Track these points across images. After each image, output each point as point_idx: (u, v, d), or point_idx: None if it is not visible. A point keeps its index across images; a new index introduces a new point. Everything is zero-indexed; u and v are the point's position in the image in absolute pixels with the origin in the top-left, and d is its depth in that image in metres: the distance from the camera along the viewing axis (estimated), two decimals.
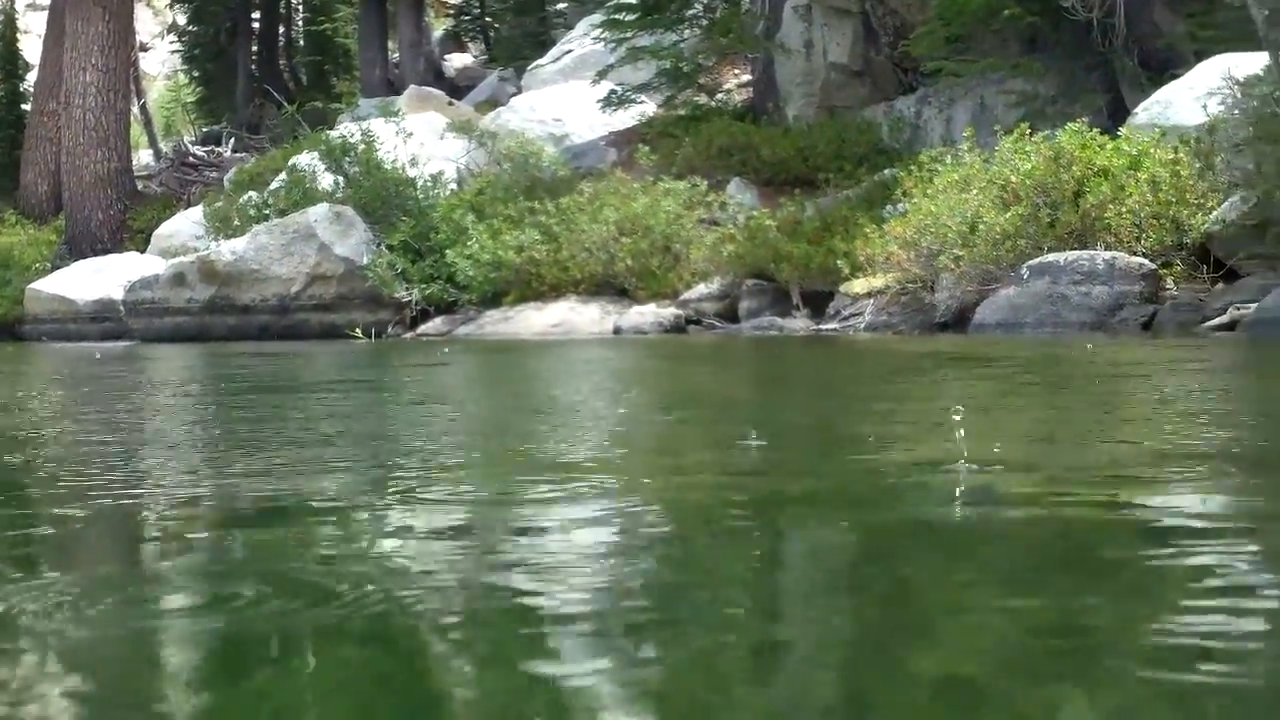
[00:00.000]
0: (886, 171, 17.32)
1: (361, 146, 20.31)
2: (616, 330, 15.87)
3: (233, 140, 32.99)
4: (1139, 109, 14.67)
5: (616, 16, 22.55)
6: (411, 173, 19.95)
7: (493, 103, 28.19)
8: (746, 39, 21.57)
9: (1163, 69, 15.82)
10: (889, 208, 15.51)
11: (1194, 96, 12.98)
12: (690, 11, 22.51)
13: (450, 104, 27.35)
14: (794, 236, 15.82)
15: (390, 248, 18.95)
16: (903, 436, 4.26)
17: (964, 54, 17.96)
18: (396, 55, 35.60)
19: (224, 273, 19.20)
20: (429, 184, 19.95)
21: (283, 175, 21.91)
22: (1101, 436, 4.12)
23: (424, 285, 18.58)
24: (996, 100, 18.03)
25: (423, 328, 18.28)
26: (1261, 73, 11.55)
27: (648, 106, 22.73)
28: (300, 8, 40.96)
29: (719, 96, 22.69)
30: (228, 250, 19.56)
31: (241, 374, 9.89)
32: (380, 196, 19.71)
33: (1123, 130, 13.78)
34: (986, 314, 12.35)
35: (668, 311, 16.00)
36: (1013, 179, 13.19)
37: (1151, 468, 3.36)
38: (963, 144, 14.79)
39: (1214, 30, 15.19)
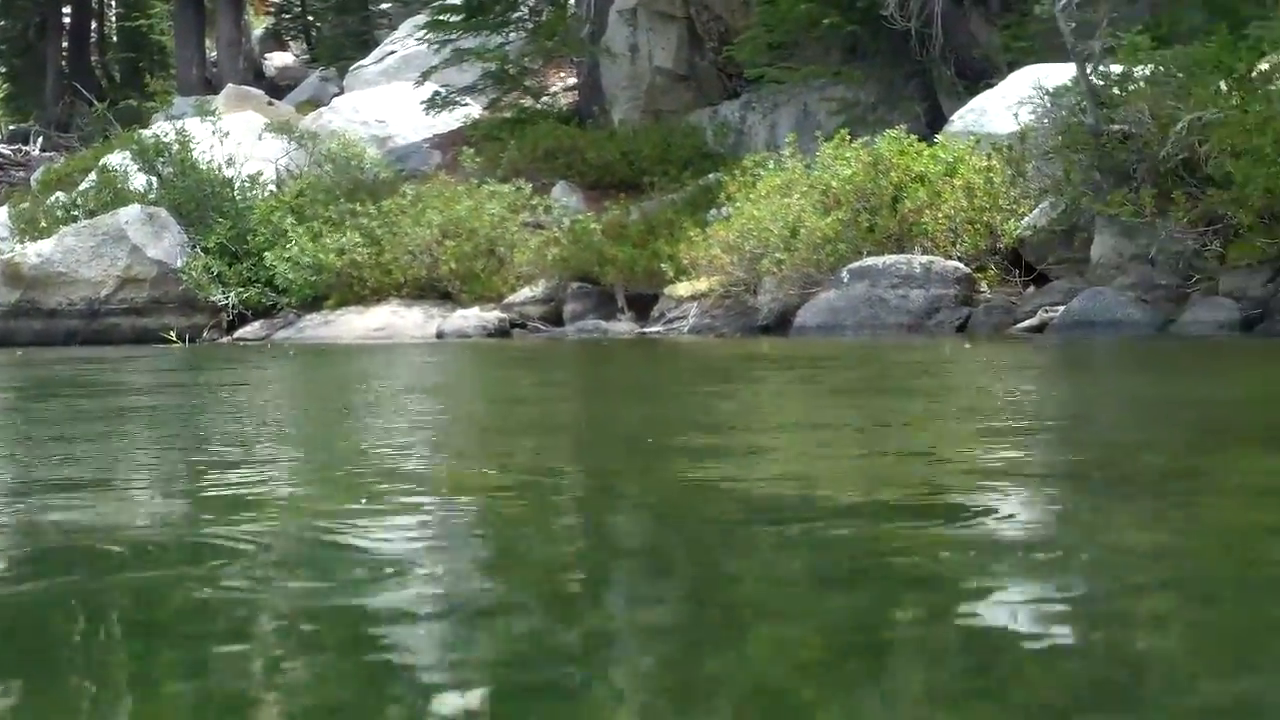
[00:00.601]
0: (711, 176, 17.39)
1: (176, 146, 19.68)
2: (440, 334, 15.64)
3: (41, 139, 31.77)
4: (955, 117, 14.99)
5: (440, 18, 22.27)
6: (229, 173, 19.41)
7: (314, 103, 27.63)
8: (571, 42, 21.50)
9: (978, 78, 16.18)
10: (713, 211, 15.58)
11: (1006, 105, 13.29)
12: (515, 14, 22.35)
13: (270, 104, 26.71)
14: (619, 240, 15.78)
15: (206, 250, 18.38)
16: (713, 442, 4.20)
17: (787, 61, 18.14)
18: (215, 53, 34.69)
19: (29, 276, 18.42)
20: (247, 185, 19.43)
21: (93, 175, 21.12)
22: (905, 442, 4.11)
23: (241, 289, 18.06)
24: (819, 107, 18.25)
25: (240, 332, 17.78)
26: (1070, 83, 11.85)
27: (472, 109, 22.49)
28: (114, 3, 39.66)
29: (544, 99, 22.57)
30: (33, 253, 18.76)
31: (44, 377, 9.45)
32: (195, 198, 19.10)
33: (939, 137, 14.05)
34: (807, 317, 12.46)
35: (492, 315, 15.82)
36: (833, 184, 13.34)
37: (948, 475, 3.35)
38: (785, 149, 14.93)
39: (1026, 42, 15.58)
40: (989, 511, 2.65)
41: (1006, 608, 1.90)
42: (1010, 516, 2.62)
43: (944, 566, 2.16)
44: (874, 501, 2.84)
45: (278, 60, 36.26)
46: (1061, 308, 10.87)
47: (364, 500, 2.95)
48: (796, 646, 1.73)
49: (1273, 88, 10.35)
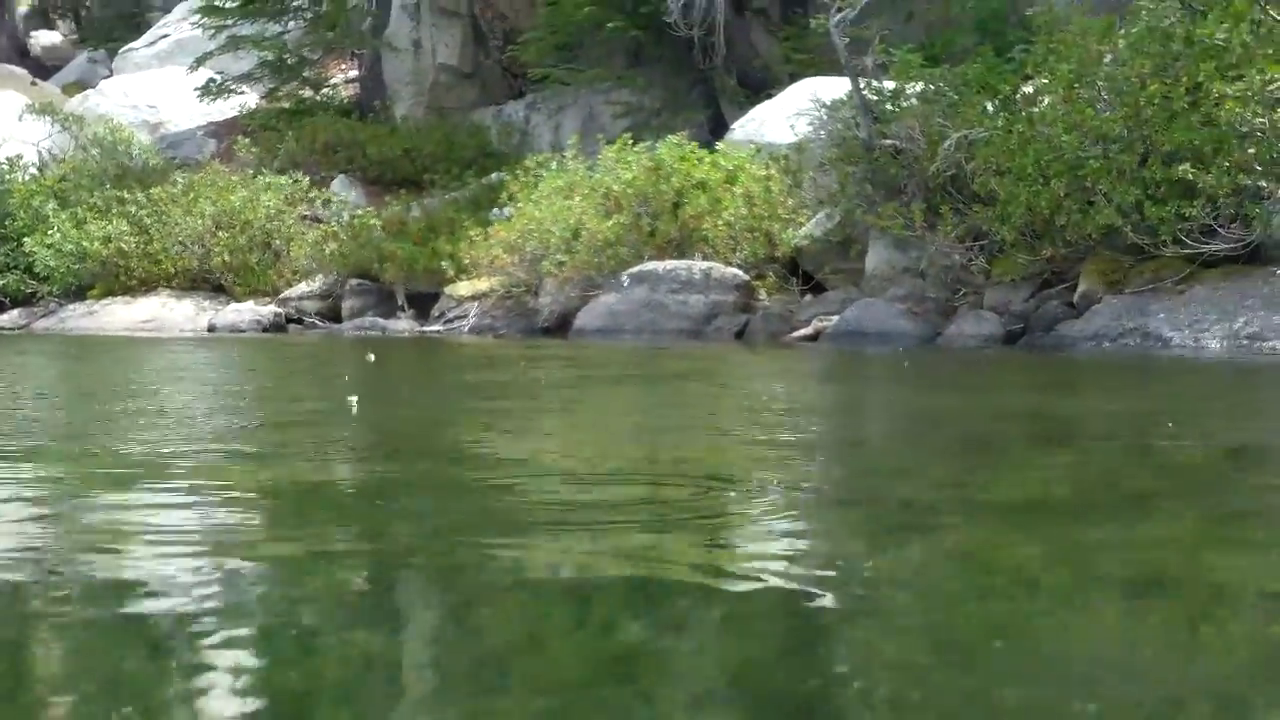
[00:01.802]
0: (493, 175, 17.32)
1: None
2: (211, 328, 15.19)
3: None
4: (736, 125, 15.25)
5: (216, 3, 21.60)
6: None
7: (82, 85, 26.53)
8: (353, 35, 21.11)
9: (760, 88, 16.50)
10: (495, 211, 15.51)
11: (785, 116, 13.56)
12: (295, 3, 21.82)
13: (34, 83, 25.56)
14: (399, 237, 15.57)
15: None
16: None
17: (572, 63, 18.19)
18: None
19: None
20: (5, 168, 18.55)
21: None
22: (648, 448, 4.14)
23: None
24: (604, 110, 18.34)
25: None
26: (845, 97, 12.16)
27: (249, 97, 21.89)
28: None
29: (325, 91, 22.10)
30: None
31: None
32: None
33: (720, 145, 14.26)
34: (588, 319, 12.49)
35: (267, 310, 15.44)
36: (614, 188, 13.40)
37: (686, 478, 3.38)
38: (568, 151, 14.95)
39: (806, 54, 15.94)
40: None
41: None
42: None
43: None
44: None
45: (44, 39, 34.66)
46: (836, 317, 11.15)
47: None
48: None
49: (1035, 109, 10.79)
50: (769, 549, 2.50)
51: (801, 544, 2.60)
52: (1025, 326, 10.34)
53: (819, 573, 2.31)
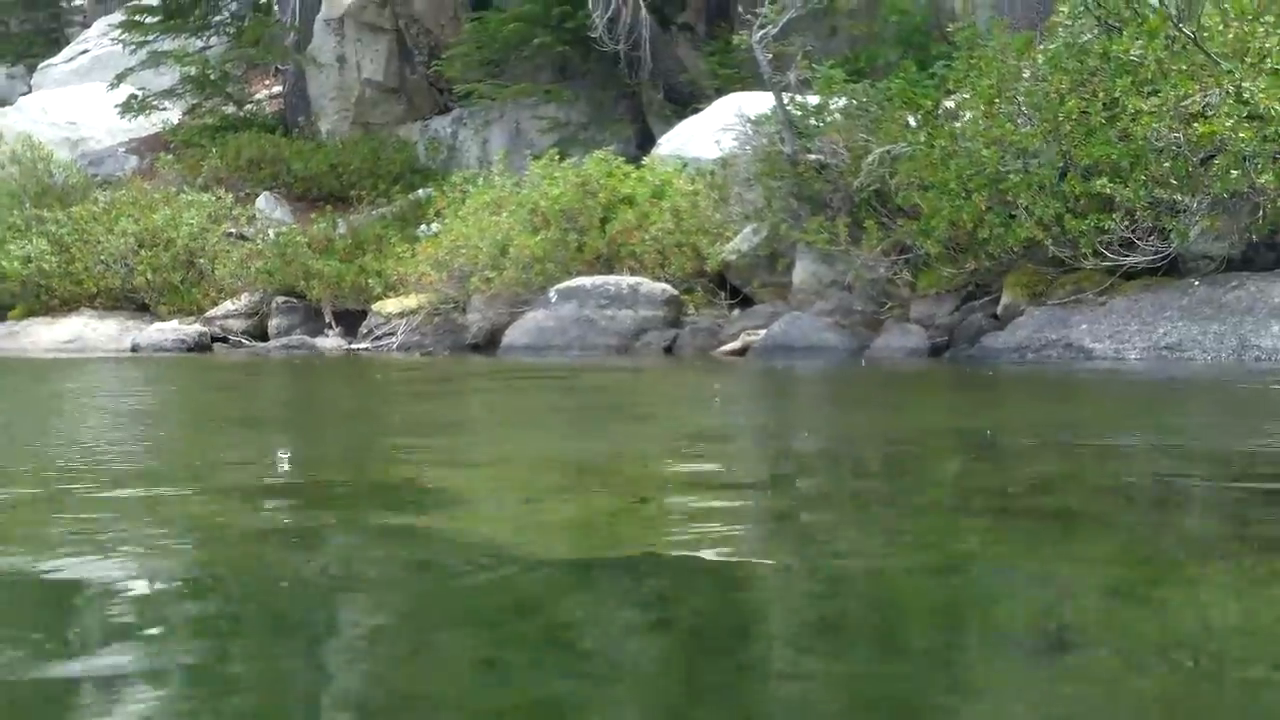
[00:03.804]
0: (420, 191, 17.29)
1: None
2: (135, 347, 15.01)
3: None
4: (662, 140, 15.31)
5: (137, 18, 21.39)
6: None
7: None
8: (276, 50, 20.99)
9: (686, 103, 16.57)
10: (422, 228, 15.48)
11: (711, 131, 13.62)
12: (217, 18, 21.66)
13: None
14: (326, 254, 15.49)
15: None
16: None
17: (498, 77, 18.18)
18: None
19: None
20: None
21: None
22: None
23: None
24: (531, 125, 18.35)
25: None
26: (769, 112, 12.23)
27: (171, 113, 21.68)
28: None
29: (249, 107, 21.94)
30: None
31: None
32: None
33: (646, 160, 14.30)
34: (516, 336, 12.48)
35: (191, 329, 15.29)
36: (542, 203, 13.40)
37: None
38: (495, 166, 14.94)
39: (732, 69, 16.04)
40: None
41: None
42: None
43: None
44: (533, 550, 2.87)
45: None
46: (764, 331, 11.20)
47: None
48: None
49: (957, 124, 10.91)
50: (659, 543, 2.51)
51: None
52: (950, 339, 10.45)
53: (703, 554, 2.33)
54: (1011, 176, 9.99)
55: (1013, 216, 10.07)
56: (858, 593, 2.43)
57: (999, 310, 10.39)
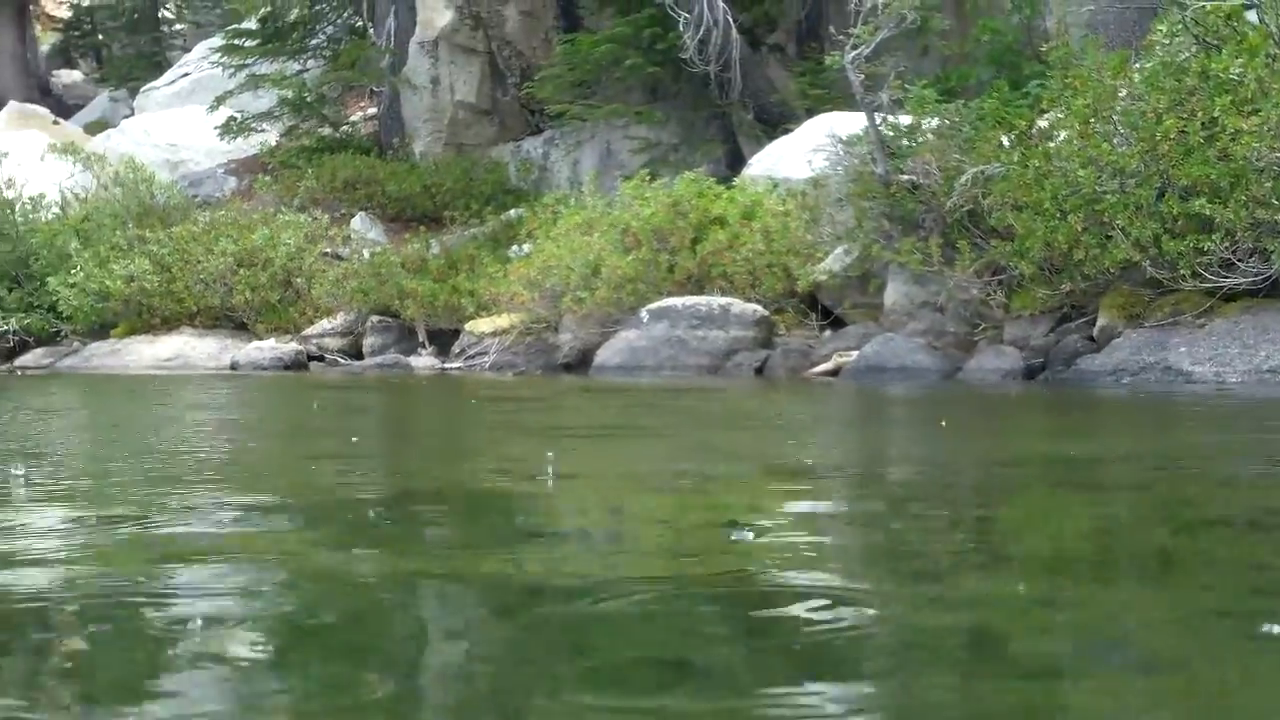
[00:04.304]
0: (512, 211, 17.43)
1: None
2: (234, 365, 15.31)
3: None
4: (753, 160, 15.33)
5: (236, 42, 21.83)
6: (9, 194, 18.67)
7: (103, 123, 26.80)
8: (371, 72, 21.30)
9: (777, 123, 16.58)
10: (514, 248, 15.61)
11: (802, 151, 13.62)
12: (314, 41, 22.04)
13: (55, 123, 25.82)
14: (419, 274, 15.67)
15: None
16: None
17: (589, 98, 18.31)
18: None
19: None
20: (28, 207, 18.72)
21: None
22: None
23: (22, 314, 17.43)
24: (621, 145, 18.45)
25: (21, 359, 17.12)
26: (861, 133, 12.22)
27: (269, 135, 22.07)
28: None
29: (344, 129, 22.27)
30: None
31: None
32: None
33: (737, 180, 14.33)
34: (608, 356, 12.55)
35: (288, 347, 15.54)
36: (633, 224, 13.48)
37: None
38: (586, 187, 15.04)
39: (822, 89, 16.03)
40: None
41: None
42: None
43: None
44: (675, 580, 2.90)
45: (66, 78, 35.02)
46: (856, 352, 11.18)
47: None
48: None
49: (1051, 144, 10.83)
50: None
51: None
52: (1045, 361, 10.36)
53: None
54: (1108, 197, 9.91)
55: (1109, 237, 9.98)
56: (958, 620, 2.44)
57: (1095, 332, 10.28)
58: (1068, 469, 4.77)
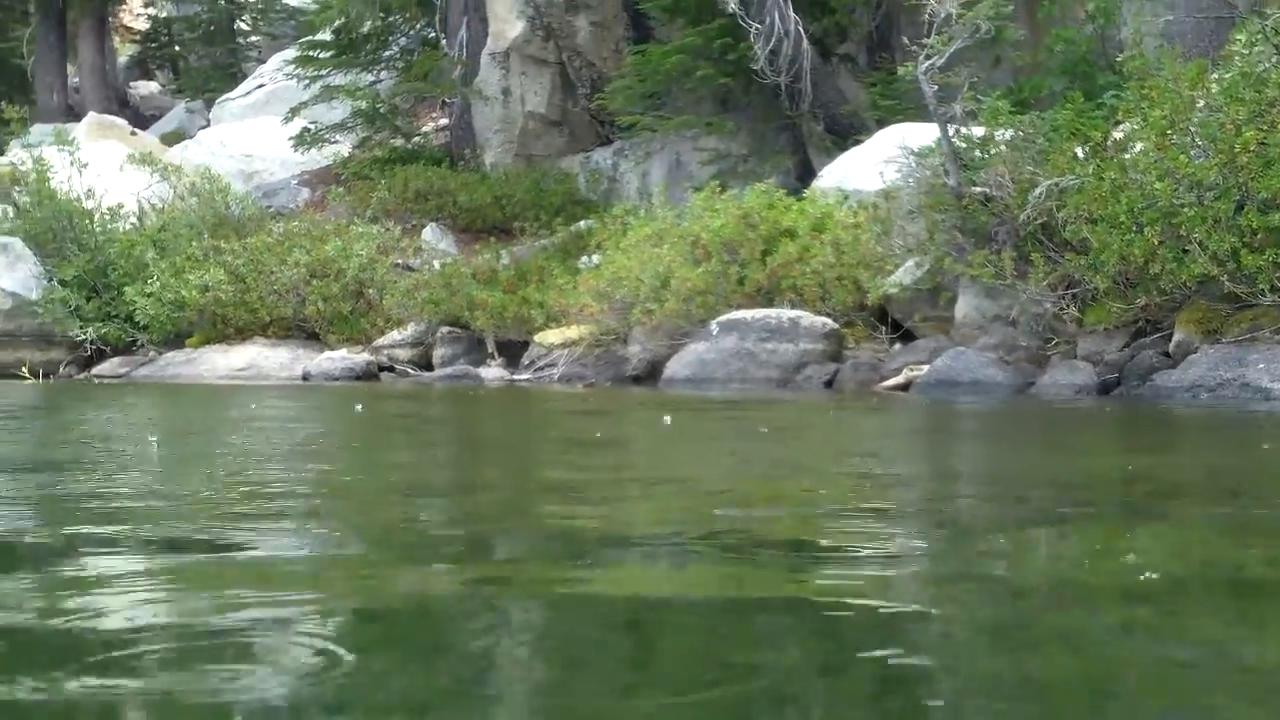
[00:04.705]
0: (582, 223, 17.49)
1: (33, 175, 19.18)
2: (305, 375, 15.45)
3: None
4: (823, 172, 15.26)
5: (310, 53, 22.09)
6: (88, 204, 18.98)
7: (180, 134, 27.21)
8: (443, 83, 21.48)
9: (847, 134, 16.52)
10: (584, 259, 15.65)
11: (873, 163, 13.54)
12: (387, 53, 22.26)
13: (133, 134, 26.23)
14: (489, 284, 15.76)
15: (63, 283, 17.96)
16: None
17: (659, 109, 18.33)
18: (77, 79, 33.93)
19: None
20: (107, 217, 19.02)
21: None
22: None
23: (100, 324, 17.70)
24: (691, 156, 18.46)
25: (98, 368, 17.40)
26: (933, 144, 12.13)
27: (342, 146, 22.31)
28: None
29: (416, 139, 22.47)
30: None
31: None
32: (53, 229, 18.65)
33: (807, 192, 14.27)
34: (677, 368, 12.54)
35: (360, 358, 15.67)
36: (703, 236, 13.47)
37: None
38: (655, 198, 15.05)
39: (893, 100, 15.95)
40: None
41: None
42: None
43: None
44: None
45: (143, 89, 35.61)
46: (926, 366, 11.09)
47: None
48: None
49: (1127, 156, 10.69)
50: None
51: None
52: (1120, 376, 10.22)
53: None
54: (1185, 210, 9.76)
55: (1186, 251, 9.83)
56: (1032, 640, 2.41)
57: (1171, 348, 10.13)
58: (1145, 486, 4.71)
